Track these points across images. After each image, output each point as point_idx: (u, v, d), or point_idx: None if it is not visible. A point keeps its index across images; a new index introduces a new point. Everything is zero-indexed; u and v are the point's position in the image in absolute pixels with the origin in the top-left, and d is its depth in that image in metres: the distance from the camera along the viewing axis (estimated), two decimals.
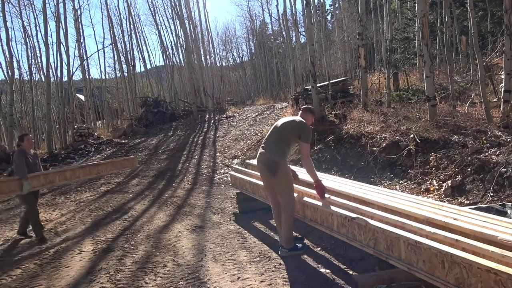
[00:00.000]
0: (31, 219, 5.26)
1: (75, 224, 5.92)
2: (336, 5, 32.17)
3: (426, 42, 7.13)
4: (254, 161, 6.62)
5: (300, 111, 3.97)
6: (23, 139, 5.48)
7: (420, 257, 2.45)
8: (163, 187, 8.37)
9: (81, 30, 24.79)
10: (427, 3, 9.07)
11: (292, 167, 4.73)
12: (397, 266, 2.68)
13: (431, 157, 5.75)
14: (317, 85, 10.10)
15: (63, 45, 18.61)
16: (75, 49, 27.63)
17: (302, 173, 5.26)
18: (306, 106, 4.14)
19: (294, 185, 3.98)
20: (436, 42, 14.27)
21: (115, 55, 27.37)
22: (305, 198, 3.93)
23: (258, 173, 4.60)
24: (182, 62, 26.92)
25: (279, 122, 3.88)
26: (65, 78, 19.61)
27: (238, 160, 10.18)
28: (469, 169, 5.08)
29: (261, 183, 4.90)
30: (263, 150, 3.80)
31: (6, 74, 20.70)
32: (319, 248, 3.91)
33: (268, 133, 3.90)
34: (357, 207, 3.34)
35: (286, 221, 3.75)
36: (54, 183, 5.88)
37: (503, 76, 6.63)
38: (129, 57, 27.07)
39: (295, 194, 3.96)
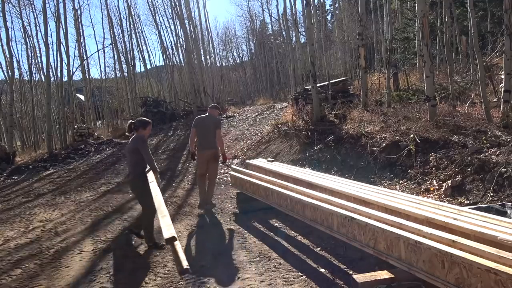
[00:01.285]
0: (148, 220, 4.37)
1: (75, 224, 5.91)
2: (336, 5, 32.20)
3: (426, 42, 7.13)
4: (254, 161, 6.63)
5: (209, 109, 5.94)
6: (146, 126, 4.50)
7: (420, 257, 2.45)
8: (163, 187, 8.36)
9: (81, 30, 24.82)
10: (427, 3, 9.07)
11: (286, 165, 5.25)
12: (397, 266, 2.68)
13: (431, 157, 5.74)
14: (317, 85, 10.09)
15: (63, 45, 18.59)
16: (75, 49, 27.52)
17: (303, 173, 5.28)
18: (213, 104, 6.34)
19: (296, 186, 4.41)
20: (436, 42, 14.26)
21: (115, 55, 27.43)
22: (305, 198, 3.93)
23: (257, 173, 5.19)
24: (182, 62, 26.92)
25: (204, 125, 5.73)
26: (65, 78, 19.58)
27: (238, 160, 10.18)
28: (469, 169, 5.08)
29: (261, 183, 4.99)
30: (208, 146, 5.73)
31: (6, 74, 20.64)
32: (319, 248, 3.91)
33: (204, 133, 5.72)
34: (355, 208, 3.34)
35: (213, 188, 5.99)
36: None
37: (503, 76, 6.63)
38: (129, 57, 27.09)
39: (298, 196, 4.10)
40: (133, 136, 4.54)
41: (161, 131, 17.29)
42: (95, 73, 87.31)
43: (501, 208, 3.69)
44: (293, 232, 4.49)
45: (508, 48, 6.25)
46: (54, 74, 21.12)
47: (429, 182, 5.40)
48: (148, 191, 3.95)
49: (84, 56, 24.92)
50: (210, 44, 33.46)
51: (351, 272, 3.24)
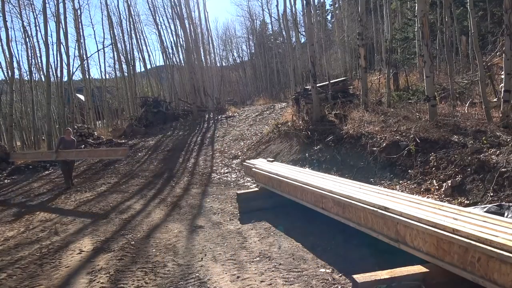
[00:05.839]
0: None
1: (75, 224, 5.91)
2: (336, 5, 32.18)
3: (426, 42, 7.13)
4: (254, 161, 6.62)
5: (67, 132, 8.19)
6: None
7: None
8: (162, 186, 8.37)
9: (81, 30, 24.83)
10: (427, 3, 9.07)
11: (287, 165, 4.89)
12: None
13: (431, 157, 5.74)
14: (317, 85, 10.08)
15: (63, 45, 18.59)
16: (75, 49, 27.55)
17: (303, 173, 5.26)
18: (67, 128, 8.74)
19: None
20: (436, 42, 14.26)
21: (115, 55, 27.42)
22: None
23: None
24: (182, 62, 26.94)
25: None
26: (65, 78, 19.58)
27: (238, 160, 10.17)
28: (469, 169, 5.07)
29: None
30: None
31: (6, 74, 20.69)
32: (319, 248, 3.91)
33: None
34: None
35: None
36: None
37: (503, 76, 6.62)
38: (129, 57, 27.10)
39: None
40: None
41: (161, 131, 17.29)
42: (95, 73, 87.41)
43: (498, 209, 3.68)
44: (293, 232, 4.49)
45: (508, 48, 6.25)
46: (54, 74, 21.14)
47: (429, 182, 5.40)
48: None
49: (84, 56, 24.94)
50: (210, 44, 33.48)
51: (351, 272, 3.24)
